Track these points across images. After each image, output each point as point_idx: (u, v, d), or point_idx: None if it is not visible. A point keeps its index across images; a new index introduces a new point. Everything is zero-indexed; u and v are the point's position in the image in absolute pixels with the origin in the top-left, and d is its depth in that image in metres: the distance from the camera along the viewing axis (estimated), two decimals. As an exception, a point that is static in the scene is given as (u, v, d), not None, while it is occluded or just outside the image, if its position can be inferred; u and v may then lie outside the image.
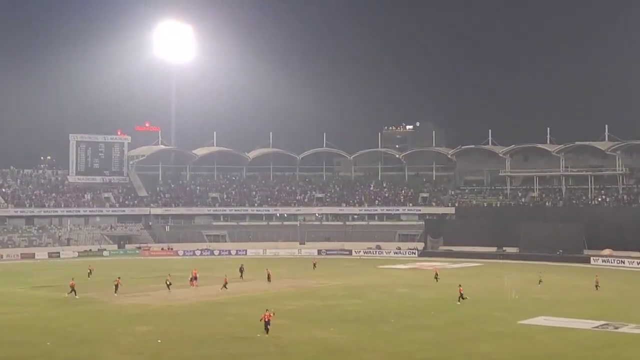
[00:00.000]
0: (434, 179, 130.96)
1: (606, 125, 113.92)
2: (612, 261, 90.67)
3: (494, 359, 33.80)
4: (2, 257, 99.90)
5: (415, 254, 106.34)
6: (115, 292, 57.33)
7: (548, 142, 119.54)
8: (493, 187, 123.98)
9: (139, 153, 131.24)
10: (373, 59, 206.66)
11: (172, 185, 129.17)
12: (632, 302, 54.37)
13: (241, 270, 71.39)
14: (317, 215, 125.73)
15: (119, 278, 59.74)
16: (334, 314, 48.57)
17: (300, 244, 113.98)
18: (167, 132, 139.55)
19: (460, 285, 54.90)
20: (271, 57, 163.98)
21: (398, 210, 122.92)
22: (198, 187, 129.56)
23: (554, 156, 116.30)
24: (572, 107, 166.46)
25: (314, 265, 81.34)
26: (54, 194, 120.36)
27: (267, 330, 39.68)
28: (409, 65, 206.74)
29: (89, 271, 69.69)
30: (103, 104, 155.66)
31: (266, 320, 40.02)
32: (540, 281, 64.44)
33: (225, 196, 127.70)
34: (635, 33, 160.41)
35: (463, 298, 53.85)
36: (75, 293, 56.29)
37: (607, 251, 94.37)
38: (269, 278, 66.49)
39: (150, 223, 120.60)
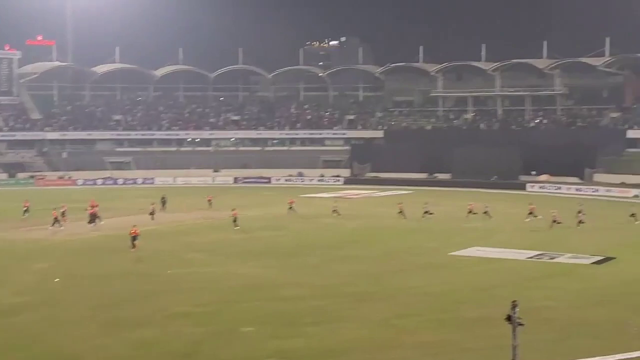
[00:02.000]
0: (361, 99, 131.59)
1: (545, 42, 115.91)
2: (549, 187, 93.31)
3: (425, 292, 34.63)
4: None
5: (340, 181, 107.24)
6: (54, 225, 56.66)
7: (483, 59, 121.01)
8: (424, 109, 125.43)
9: (31, 70, 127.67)
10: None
11: (69, 107, 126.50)
12: (568, 230, 56.11)
13: (163, 202, 70.75)
14: (232, 139, 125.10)
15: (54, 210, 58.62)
16: (253, 246, 48.83)
17: (214, 171, 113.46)
18: (63, 47, 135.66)
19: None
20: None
21: (322, 134, 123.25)
22: (99, 109, 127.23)
23: (489, 75, 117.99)
24: (508, 22, 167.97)
25: (209, 202, 72.96)
26: None
27: (133, 245, 45.90)
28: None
29: (25, 208, 65.25)
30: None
31: (133, 235, 46.28)
32: (400, 212, 63.90)
33: (130, 119, 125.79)
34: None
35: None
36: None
37: (544, 177, 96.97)
38: (156, 212, 64.84)
39: (44, 149, 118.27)
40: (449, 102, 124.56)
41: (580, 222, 57.55)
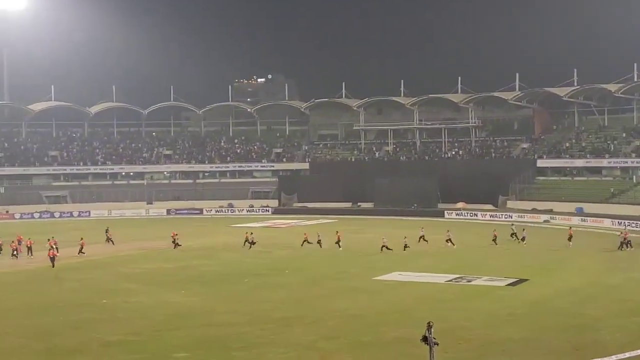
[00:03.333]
0: (288, 133, 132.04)
1: (459, 78, 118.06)
2: (465, 214, 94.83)
3: (349, 314, 34.86)
4: None
5: (269, 211, 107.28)
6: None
7: (402, 94, 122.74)
8: (347, 142, 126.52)
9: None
10: (221, 7, 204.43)
11: (6, 144, 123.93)
12: (485, 255, 57.15)
13: (108, 234, 68.40)
14: (165, 173, 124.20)
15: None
16: (185, 275, 48.55)
17: (147, 203, 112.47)
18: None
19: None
20: (112, 5, 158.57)
21: (250, 166, 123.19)
22: (35, 145, 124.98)
23: (408, 109, 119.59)
24: (425, 59, 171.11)
25: (109, 239, 67.53)
26: None
27: (53, 265, 51.43)
28: (258, 15, 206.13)
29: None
30: None
31: (51, 256, 52.27)
32: (247, 242, 62.59)
33: (65, 154, 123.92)
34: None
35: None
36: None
37: (460, 204, 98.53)
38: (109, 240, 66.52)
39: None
40: (370, 135, 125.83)
41: (405, 246, 59.01)
